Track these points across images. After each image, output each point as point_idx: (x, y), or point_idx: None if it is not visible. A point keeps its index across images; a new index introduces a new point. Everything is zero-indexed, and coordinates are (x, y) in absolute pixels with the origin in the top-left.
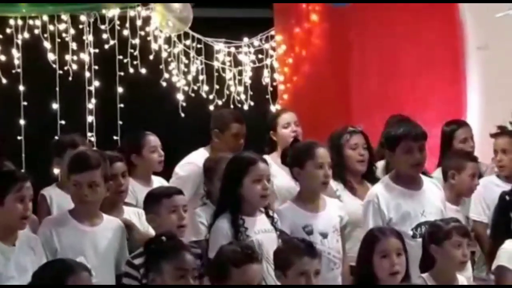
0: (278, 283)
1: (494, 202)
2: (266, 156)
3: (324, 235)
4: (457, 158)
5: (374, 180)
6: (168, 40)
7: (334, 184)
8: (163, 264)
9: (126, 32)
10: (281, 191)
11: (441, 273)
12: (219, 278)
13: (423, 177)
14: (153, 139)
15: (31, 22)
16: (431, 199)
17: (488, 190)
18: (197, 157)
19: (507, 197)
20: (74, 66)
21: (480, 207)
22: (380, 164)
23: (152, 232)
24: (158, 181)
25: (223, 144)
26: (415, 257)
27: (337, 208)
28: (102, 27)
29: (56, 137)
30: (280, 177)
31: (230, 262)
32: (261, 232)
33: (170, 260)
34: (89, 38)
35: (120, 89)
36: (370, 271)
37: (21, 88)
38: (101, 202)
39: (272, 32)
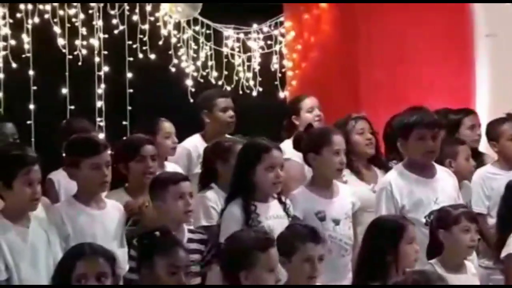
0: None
1: (494, 191)
2: (287, 141)
3: (337, 222)
4: (447, 145)
5: (381, 165)
6: (177, 26)
7: None
8: (156, 259)
9: (135, 18)
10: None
11: (449, 259)
12: (241, 266)
13: (436, 165)
14: (167, 126)
15: (41, 6)
16: (445, 187)
17: (486, 180)
18: (188, 141)
19: None
20: (84, 51)
21: (479, 198)
22: None
23: None
24: (171, 167)
25: (215, 123)
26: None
27: (349, 195)
28: (112, 12)
29: (65, 121)
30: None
31: (255, 247)
32: (273, 217)
33: (163, 256)
34: (98, 23)
35: (129, 75)
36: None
37: (31, 72)
38: (129, 185)
39: (281, 18)
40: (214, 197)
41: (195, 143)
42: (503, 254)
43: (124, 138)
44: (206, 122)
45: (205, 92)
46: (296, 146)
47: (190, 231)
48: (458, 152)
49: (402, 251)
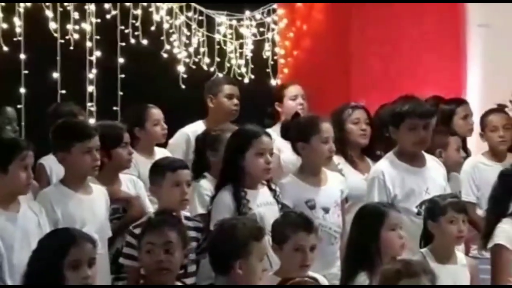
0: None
1: (484, 181)
2: (270, 129)
3: (326, 210)
4: (438, 135)
5: (374, 156)
6: (170, 12)
7: (336, 158)
8: (142, 242)
9: (128, 3)
10: (288, 165)
11: (439, 249)
12: (237, 255)
13: (425, 154)
14: (156, 112)
15: None
16: (434, 177)
17: (477, 170)
18: (190, 127)
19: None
20: (76, 36)
21: (469, 187)
22: None
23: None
24: (161, 153)
25: (219, 109)
26: (419, 234)
27: (338, 182)
28: None
29: (52, 106)
30: (286, 151)
31: (252, 237)
32: (263, 205)
33: (147, 235)
34: (91, 7)
35: (121, 60)
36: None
37: (22, 56)
38: (100, 172)
39: (274, 6)
40: (207, 185)
41: (196, 129)
42: (490, 244)
43: (101, 124)
44: (209, 108)
45: (212, 78)
46: (284, 135)
47: (187, 218)
48: (449, 142)
49: (384, 238)
